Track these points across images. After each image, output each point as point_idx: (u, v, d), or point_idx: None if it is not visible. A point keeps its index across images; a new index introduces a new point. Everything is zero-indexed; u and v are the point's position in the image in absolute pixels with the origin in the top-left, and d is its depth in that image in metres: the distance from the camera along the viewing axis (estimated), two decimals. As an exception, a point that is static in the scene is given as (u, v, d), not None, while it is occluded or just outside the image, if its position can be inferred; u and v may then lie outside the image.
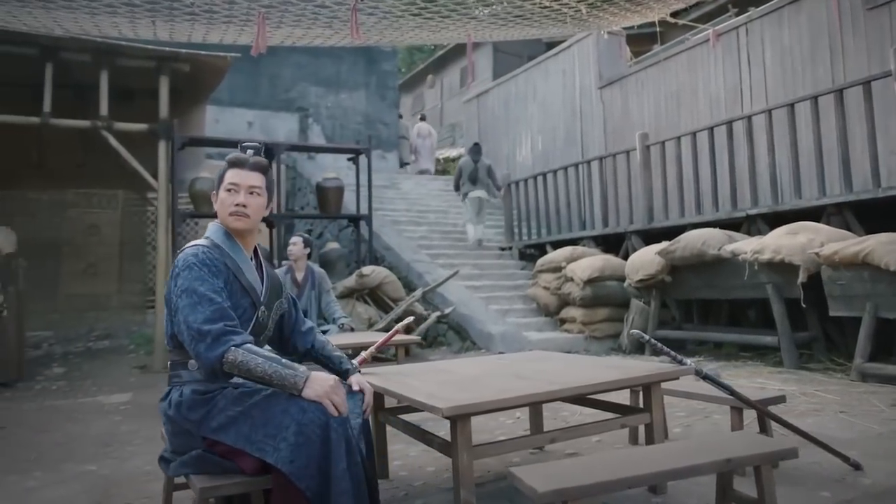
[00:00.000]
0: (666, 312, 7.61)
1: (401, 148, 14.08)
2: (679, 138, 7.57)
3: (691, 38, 9.06)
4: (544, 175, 9.61)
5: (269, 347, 2.39)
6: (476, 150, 9.89)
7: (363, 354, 3.05)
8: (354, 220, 8.65)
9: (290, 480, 1.88)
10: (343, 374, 2.39)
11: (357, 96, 13.20)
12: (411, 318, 3.74)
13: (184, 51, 6.97)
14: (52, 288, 10.05)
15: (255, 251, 2.32)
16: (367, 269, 7.32)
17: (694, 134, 7.41)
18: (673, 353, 2.70)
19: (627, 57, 10.23)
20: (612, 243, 8.65)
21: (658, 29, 7.52)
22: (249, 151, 2.28)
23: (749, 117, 6.86)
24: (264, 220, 6.74)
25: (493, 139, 12.90)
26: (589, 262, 7.70)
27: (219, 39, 5.69)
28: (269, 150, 7.83)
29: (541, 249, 9.37)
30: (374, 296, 7.34)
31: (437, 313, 7.49)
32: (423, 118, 15.29)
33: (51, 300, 9.85)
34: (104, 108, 6.89)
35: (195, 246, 2.15)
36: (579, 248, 8.29)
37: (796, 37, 7.57)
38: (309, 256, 5.90)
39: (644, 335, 2.76)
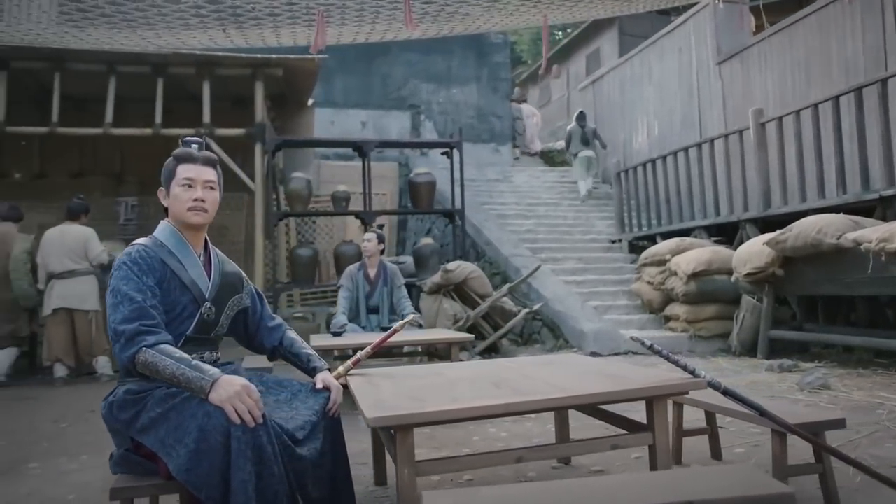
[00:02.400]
0: (784, 311, 6.76)
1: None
2: (798, 112, 6.65)
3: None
4: (653, 162, 8.93)
5: (219, 357, 2.33)
6: (581, 116, 11.46)
7: (358, 354, 2.93)
8: (449, 214, 8.56)
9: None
10: (311, 373, 2.32)
11: (468, 90, 13.11)
12: (416, 315, 3.54)
13: (274, 56, 7.26)
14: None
15: (207, 247, 2.28)
16: (451, 265, 7.19)
17: (815, 106, 6.48)
18: (682, 361, 2.30)
19: (751, 26, 9.21)
20: (728, 233, 7.83)
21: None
22: (195, 146, 2.25)
23: (884, 80, 5.85)
24: (356, 216, 6.77)
25: (610, 126, 12.24)
26: (695, 255, 7.02)
27: (292, 41, 5.83)
28: (360, 148, 7.97)
29: (652, 241, 8.73)
30: (460, 292, 7.20)
31: (526, 310, 7.19)
32: (524, 100, 15.09)
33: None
34: (206, 116, 7.36)
35: (133, 245, 2.13)
36: (687, 240, 7.60)
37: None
38: (382, 252, 5.88)
39: (644, 340, 2.37)
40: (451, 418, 2.09)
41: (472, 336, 4.83)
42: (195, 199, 2.14)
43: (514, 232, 9.63)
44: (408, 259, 9.03)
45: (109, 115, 7.21)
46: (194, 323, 2.14)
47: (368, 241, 5.68)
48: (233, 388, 1.82)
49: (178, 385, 1.87)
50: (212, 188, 2.19)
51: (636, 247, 9.19)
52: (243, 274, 2.40)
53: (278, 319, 2.46)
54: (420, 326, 5.58)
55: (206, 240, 2.28)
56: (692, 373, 2.26)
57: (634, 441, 2.32)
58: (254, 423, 1.81)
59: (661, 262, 7.41)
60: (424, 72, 12.83)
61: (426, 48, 12.43)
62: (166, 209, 2.22)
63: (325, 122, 12.09)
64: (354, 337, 4.85)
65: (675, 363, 2.29)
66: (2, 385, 6.11)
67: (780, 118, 6.90)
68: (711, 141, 7.97)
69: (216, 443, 1.78)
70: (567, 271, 8.64)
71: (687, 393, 2.31)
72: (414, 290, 8.60)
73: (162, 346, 1.91)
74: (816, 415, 2.48)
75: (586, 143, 11.19)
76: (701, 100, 9.69)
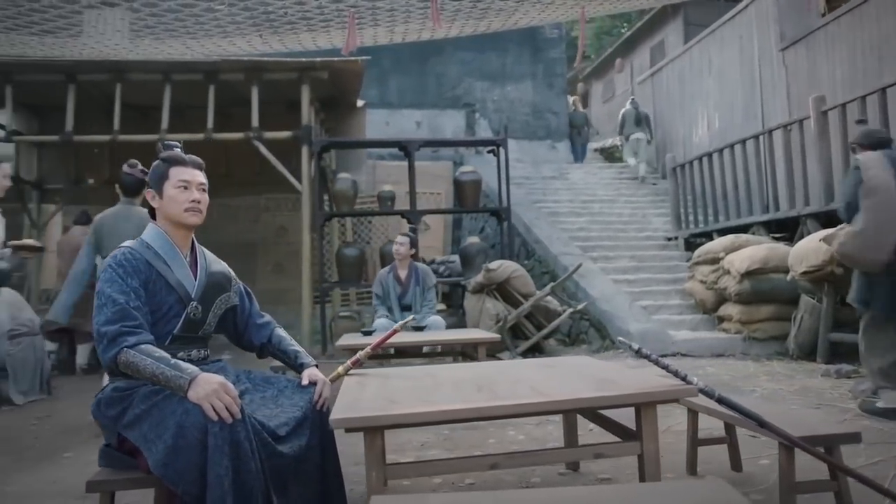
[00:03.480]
0: (847, 312, 6.30)
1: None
2: (864, 98, 6.20)
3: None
4: (709, 155, 8.55)
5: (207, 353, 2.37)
6: (634, 102, 12.23)
7: (358, 355, 2.93)
8: (496, 213, 8.48)
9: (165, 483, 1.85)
10: (299, 369, 2.34)
11: (523, 87, 12.96)
12: (412, 318, 3.49)
13: (319, 59, 7.38)
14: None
15: (193, 248, 2.32)
16: (494, 264, 7.11)
17: (883, 90, 6.02)
18: (673, 367, 2.17)
19: (819, 7, 8.66)
20: (789, 230, 7.40)
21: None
22: (177, 149, 2.30)
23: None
24: (402, 215, 6.77)
25: (669, 120, 11.81)
26: (749, 253, 6.68)
27: (330, 44, 5.92)
28: (405, 147, 8.00)
29: (709, 238, 8.34)
30: (503, 291, 7.11)
31: (570, 309, 7.03)
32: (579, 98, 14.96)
33: (248, 295, 11.13)
34: (255, 120, 7.56)
35: (121, 248, 2.18)
36: (743, 237, 7.24)
37: None
38: (414, 255, 5.94)
39: (632, 343, 2.25)
40: (415, 421, 2.04)
41: (497, 336, 4.75)
42: (192, 201, 2.20)
43: (565, 230, 9.44)
44: (455, 258, 9.01)
45: (165, 122, 7.52)
46: (181, 322, 2.18)
47: (401, 245, 5.75)
48: (210, 386, 1.85)
49: (158, 384, 1.92)
50: (204, 190, 2.26)
51: (693, 244, 8.83)
52: (231, 273, 2.43)
53: (267, 317, 2.49)
54: (421, 329, 5.50)
55: (192, 240, 2.32)
56: (684, 379, 2.13)
57: (621, 450, 2.21)
58: (231, 420, 1.83)
59: (715, 261, 7.08)
60: (479, 70, 12.77)
61: (480, 46, 12.37)
62: (152, 211, 2.28)
63: (379, 122, 12.23)
64: (380, 336, 4.87)
65: (666, 368, 2.17)
66: (85, 371, 6.59)
67: (844, 105, 6.45)
68: (770, 132, 7.55)
69: (193, 439, 1.81)
70: (618, 270, 8.40)
71: (677, 400, 2.17)
72: (459, 290, 8.58)
73: (143, 346, 1.95)
74: (830, 427, 2.28)
75: (638, 124, 11.90)
76: (763, 89, 9.20)
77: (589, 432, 3.42)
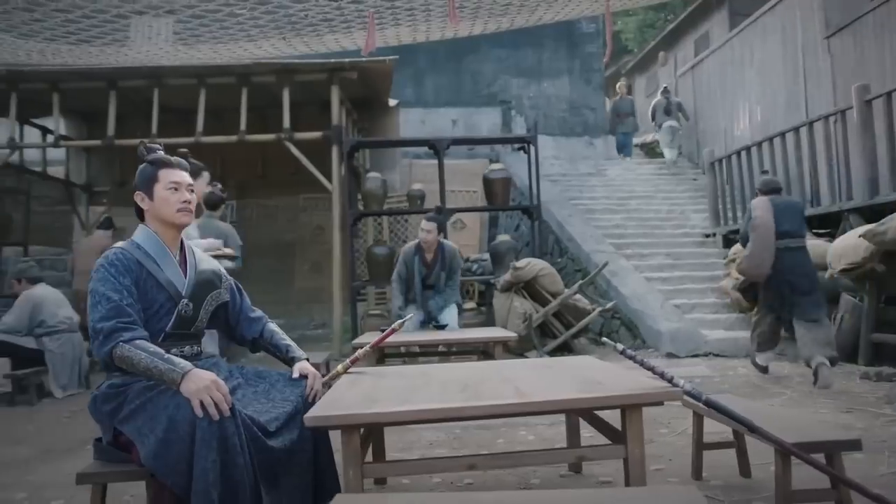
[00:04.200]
0: (892, 311, 6.02)
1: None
2: (910, 87, 5.90)
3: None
4: (748, 149, 8.28)
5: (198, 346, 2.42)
6: (665, 91, 12.33)
7: (357, 353, 2.95)
8: (526, 211, 8.40)
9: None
10: (290, 363, 2.39)
11: (560, 83, 12.79)
12: (410, 317, 3.47)
13: (347, 60, 7.45)
14: (288, 282, 11.56)
15: (182, 247, 2.38)
16: (521, 262, 7.05)
17: (929, 79, 5.71)
18: (659, 369, 2.11)
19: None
20: (832, 225, 7.10)
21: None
22: (160, 152, 2.36)
23: None
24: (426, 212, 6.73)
25: (710, 114, 11.47)
26: (787, 249, 6.42)
27: (354, 44, 5.96)
28: (433, 146, 8.00)
29: (747, 235, 8.08)
30: (531, 289, 7.05)
31: (599, 308, 6.91)
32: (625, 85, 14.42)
33: (286, 293, 11.32)
34: (286, 121, 7.69)
35: (112, 248, 2.25)
36: (782, 233, 6.97)
37: None
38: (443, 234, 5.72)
39: (617, 344, 2.19)
40: (387, 420, 2.05)
41: (513, 335, 4.70)
42: (184, 202, 2.25)
43: (600, 227, 9.29)
44: (488, 256, 8.97)
45: (200, 125, 7.71)
46: (173, 319, 2.23)
47: (428, 233, 5.47)
48: (202, 382, 1.91)
49: (152, 378, 1.98)
50: (192, 191, 2.31)
51: (732, 241, 8.55)
52: (222, 270, 2.48)
53: (258, 312, 2.52)
54: (441, 328, 5.44)
55: (182, 240, 2.37)
56: (670, 381, 2.07)
57: (605, 453, 2.16)
58: (219, 416, 1.89)
59: (752, 258, 6.84)
60: (514, 67, 12.67)
61: (516, 42, 12.27)
62: (140, 213, 2.33)
63: (415, 121, 12.25)
64: (405, 335, 4.88)
65: (651, 370, 2.12)
66: None
67: (890, 94, 6.14)
68: (811, 124, 7.25)
69: (184, 433, 1.87)
70: (653, 267, 8.21)
71: (661, 403, 2.10)
72: (491, 289, 8.54)
73: (137, 341, 2.02)
74: (830, 433, 2.18)
75: (669, 113, 12.05)
76: (807, 80, 8.84)
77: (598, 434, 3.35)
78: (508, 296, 7.15)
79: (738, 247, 7.21)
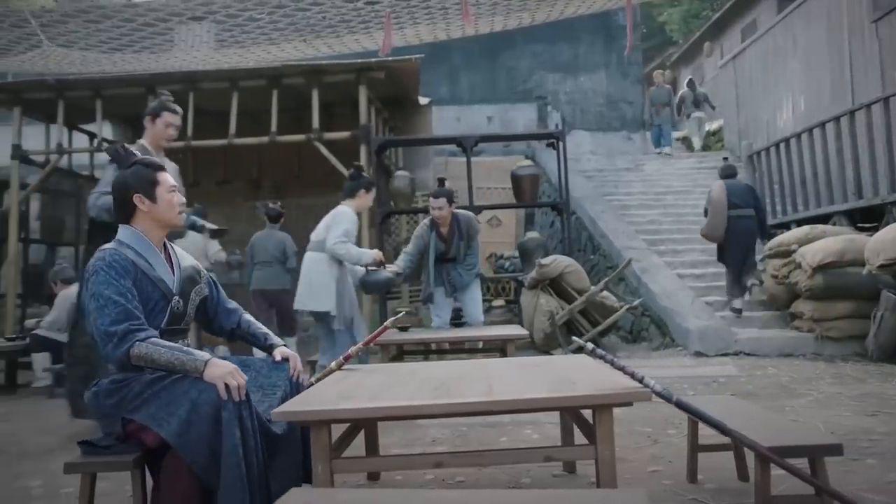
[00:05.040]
0: (935, 309, 5.72)
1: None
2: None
3: None
4: (787, 141, 7.99)
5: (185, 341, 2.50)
6: (691, 83, 12.56)
7: (350, 350, 3.00)
8: (555, 207, 8.31)
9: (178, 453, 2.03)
10: (268, 349, 2.49)
11: (597, 78, 12.61)
12: (402, 314, 3.46)
13: (374, 59, 7.51)
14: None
15: (165, 246, 2.45)
16: (546, 259, 6.98)
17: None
18: (630, 369, 2.07)
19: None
20: (877, 219, 6.79)
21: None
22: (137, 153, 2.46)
23: None
24: (461, 209, 6.71)
25: (752, 105, 11.10)
26: (823, 245, 6.21)
27: (375, 44, 6.02)
28: (461, 144, 7.99)
29: (787, 230, 7.80)
30: (557, 287, 6.97)
31: (626, 306, 6.79)
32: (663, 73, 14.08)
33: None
34: (315, 121, 7.81)
35: (103, 249, 2.30)
36: (819, 227, 6.74)
37: None
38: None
39: (586, 344, 2.16)
40: (349, 417, 2.07)
41: (525, 333, 4.66)
42: (181, 204, 2.39)
43: (633, 223, 9.12)
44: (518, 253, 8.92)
45: (233, 127, 7.89)
46: (167, 316, 2.31)
47: (440, 210, 5.17)
48: (225, 369, 2.07)
49: (173, 370, 2.10)
50: (181, 193, 2.42)
51: (770, 236, 8.28)
52: (199, 265, 2.56)
53: (234, 304, 2.61)
54: (460, 325, 5.37)
55: (164, 239, 2.45)
56: (640, 381, 2.02)
57: (573, 454, 2.13)
58: (239, 399, 2.04)
59: (787, 254, 6.62)
60: (550, 62, 12.55)
61: (551, 37, 12.15)
62: (129, 214, 2.39)
63: (451, 119, 12.28)
64: (426, 332, 4.90)
65: (622, 369, 2.07)
66: None
67: (934, 81, 5.83)
68: (852, 112, 6.95)
69: (206, 414, 2.02)
70: (686, 264, 8.02)
71: (631, 404, 2.05)
72: (519, 287, 8.49)
73: (151, 339, 2.12)
74: (811, 437, 2.09)
75: (697, 105, 12.31)
76: (854, 67, 8.46)
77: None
78: (535, 293, 7.10)
79: (778, 239, 6.98)
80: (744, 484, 2.71)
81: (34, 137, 8.97)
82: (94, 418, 2.39)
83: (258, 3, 4.93)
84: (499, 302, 8.37)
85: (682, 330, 6.52)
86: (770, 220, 8.41)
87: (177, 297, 2.35)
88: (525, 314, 7.21)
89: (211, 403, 2.02)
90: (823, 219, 7.24)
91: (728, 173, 6.88)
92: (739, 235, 6.53)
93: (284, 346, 2.48)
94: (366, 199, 5.02)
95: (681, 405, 1.99)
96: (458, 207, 5.58)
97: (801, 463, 2.11)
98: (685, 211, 9.65)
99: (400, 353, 5.62)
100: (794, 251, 6.48)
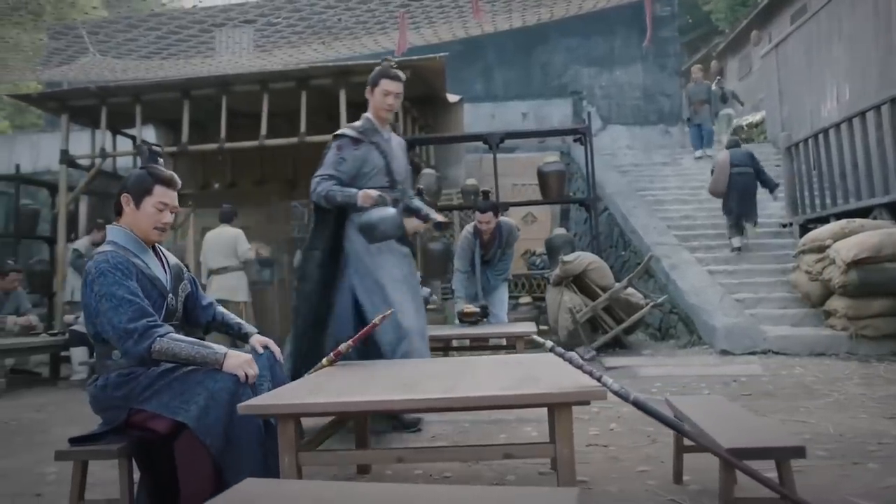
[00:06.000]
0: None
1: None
2: None
3: None
4: (825, 131, 7.68)
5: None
6: (720, 81, 12.40)
7: (340, 347, 3.06)
8: (583, 203, 8.22)
9: (196, 436, 2.15)
10: (244, 338, 2.61)
11: (633, 71, 12.38)
12: (390, 312, 3.48)
13: (397, 59, 7.57)
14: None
15: (154, 245, 2.55)
16: (569, 256, 6.92)
17: None
18: (588, 365, 2.06)
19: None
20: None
21: None
22: (161, 160, 2.55)
23: None
24: (481, 209, 6.80)
25: (795, 95, 10.70)
26: (859, 240, 5.97)
27: (393, 45, 6.09)
28: (487, 141, 7.99)
29: (825, 224, 7.52)
30: (581, 284, 6.90)
31: (651, 303, 6.67)
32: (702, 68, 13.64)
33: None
34: (343, 122, 7.91)
35: (104, 253, 2.39)
36: (857, 222, 6.47)
37: None
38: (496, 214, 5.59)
39: (546, 341, 2.15)
40: (307, 411, 2.11)
41: (532, 331, 4.64)
42: (165, 223, 2.45)
43: (666, 218, 8.94)
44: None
45: (264, 128, 8.07)
46: (163, 313, 2.42)
47: (487, 224, 5.38)
48: (242, 359, 2.26)
49: (193, 362, 2.25)
50: (173, 212, 2.49)
51: (810, 231, 8.00)
52: (182, 264, 2.66)
53: (210, 298, 2.74)
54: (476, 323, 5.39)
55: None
56: (598, 379, 2.01)
57: (532, 451, 2.14)
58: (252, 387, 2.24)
59: (821, 249, 6.39)
60: (585, 56, 12.39)
61: (586, 32, 12.00)
62: (118, 212, 2.50)
63: (485, 116, 12.25)
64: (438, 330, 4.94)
65: (580, 368, 2.06)
66: None
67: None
68: (893, 100, 6.64)
69: (223, 400, 2.16)
70: (719, 260, 7.82)
71: (588, 403, 2.04)
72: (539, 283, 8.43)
73: (170, 334, 2.26)
74: (776, 440, 2.03)
75: (724, 101, 12.08)
76: (900, 52, 8.08)
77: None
78: (559, 290, 7.04)
79: (812, 234, 6.75)
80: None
81: (81, 142, 9.39)
82: (98, 410, 2.49)
83: (275, 9, 5.04)
84: (525, 299, 8.33)
85: (709, 327, 6.37)
86: (809, 215, 8.14)
87: (171, 295, 2.46)
88: (550, 311, 7.16)
89: (228, 390, 2.17)
90: (864, 212, 6.94)
91: (732, 144, 8.32)
92: (739, 187, 7.83)
93: (258, 333, 2.58)
94: None
95: (637, 404, 1.97)
96: (485, 196, 5.67)
97: (770, 465, 2.06)
98: (721, 205, 9.38)
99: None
100: (829, 246, 6.24)
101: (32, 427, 4.52)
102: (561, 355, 2.09)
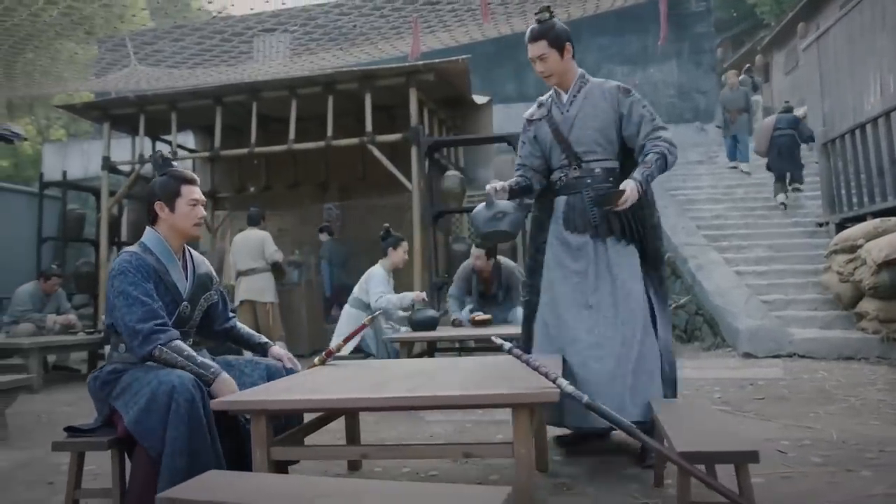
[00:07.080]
0: None
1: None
2: None
3: None
4: (862, 127, 7.41)
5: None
6: (748, 70, 12.47)
7: (331, 346, 3.16)
8: (609, 203, 8.11)
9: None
10: (259, 348, 2.81)
11: (667, 68, 12.15)
12: (378, 312, 3.52)
13: (422, 62, 7.66)
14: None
15: (183, 252, 2.67)
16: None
17: None
18: (543, 367, 2.08)
19: None
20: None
21: None
22: (175, 164, 2.69)
23: None
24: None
25: (837, 89, 10.28)
26: (891, 239, 5.77)
27: (409, 49, 6.17)
28: (510, 142, 7.98)
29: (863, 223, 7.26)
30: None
31: (673, 304, 6.56)
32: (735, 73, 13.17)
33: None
34: (368, 125, 8.05)
35: (129, 252, 2.53)
36: (892, 220, 6.24)
37: None
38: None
39: (504, 343, 2.18)
40: (273, 408, 2.18)
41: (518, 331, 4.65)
42: (201, 217, 2.61)
43: (696, 218, 8.76)
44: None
45: (292, 132, 8.26)
46: (174, 319, 2.52)
47: (477, 259, 5.51)
48: (229, 388, 2.35)
49: None
50: (205, 206, 2.66)
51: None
52: (213, 274, 2.77)
53: (232, 312, 2.87)
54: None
55: (184, 245, 2.68)
56: (554, 381, 2.03)
57: (492, 451, 2.16)
58: (193, 392, 2.23)
59: (853, 249, 6.18)
60: (618, 54, 12.22)
61: (618, 29, 11.84)
62: (153, 218, 2.59)
63: (517, 117, 12.11)
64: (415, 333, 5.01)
65: (536, 369, 2.09)
66: None
67: None
68: (930, 95, 6.36)
69: (162, 402, 2.20)
70: (749, 260, 7.63)
71: (542, 403, 2.06)
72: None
73: (173, 342, 2.37)
74: (732, 444, 2.01)
75: (755, 90, 12.04)
76: (944, 43, 7.72)
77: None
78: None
79: (844, 234, 6.53)
80: (706, 491, 2.62)
81: (124, 149, 9.79)
82: (94, 402, 2.63)
83: (290, 17, 5.18)
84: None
85: (732, 330, 6.24)
86: (846, 214, 7.86)
87: (185, 303, 2.55)
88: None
89: (166, 392, 2.19)
90: (899, 210, 6.68)
91: (785, 109, 9.52)
92: (781, 147, 8.86)
93: (274, 346, 2.75)
94: (395, 255, 5.61)
95: (590, 407, 1.98)
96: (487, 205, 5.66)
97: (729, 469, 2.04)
98: (756, 205, 9.17)
99: (431, 349, 5.78)
100: (860, 246, 6.04)
101: (61, 420, 4.76)
102: (518, 357, 2.12)
